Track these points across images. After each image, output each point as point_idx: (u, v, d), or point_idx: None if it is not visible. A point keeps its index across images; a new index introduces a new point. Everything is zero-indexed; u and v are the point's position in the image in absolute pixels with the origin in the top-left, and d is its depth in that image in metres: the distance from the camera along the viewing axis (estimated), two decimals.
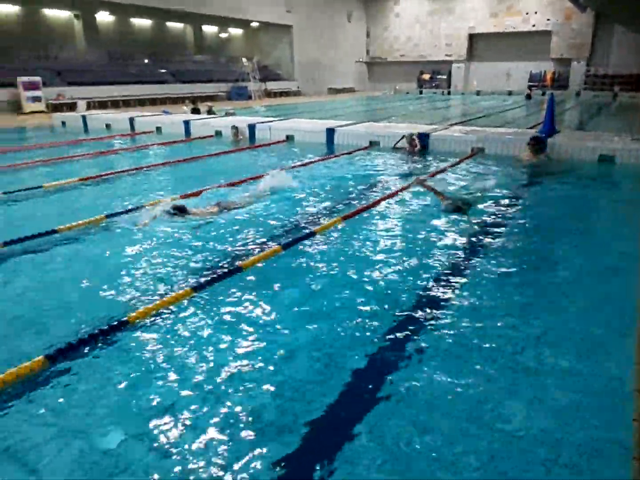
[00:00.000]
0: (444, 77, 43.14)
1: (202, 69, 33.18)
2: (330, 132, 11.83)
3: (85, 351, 3.14)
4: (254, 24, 35.39)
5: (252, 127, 12.99)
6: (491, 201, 6.66)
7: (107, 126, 15.68)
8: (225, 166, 10.01)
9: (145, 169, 9.32)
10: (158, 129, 14.55)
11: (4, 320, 3.65)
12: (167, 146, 12.26)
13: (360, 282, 4.19)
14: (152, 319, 3.50)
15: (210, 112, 17.70)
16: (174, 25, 34.16)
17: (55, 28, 27.01)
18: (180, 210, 5.71)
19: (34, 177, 8.77)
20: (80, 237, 5.43)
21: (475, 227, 5.56)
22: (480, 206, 6.35)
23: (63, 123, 16.80)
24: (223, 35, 37.81)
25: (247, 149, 11.95)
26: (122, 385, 2.86)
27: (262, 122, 13.37)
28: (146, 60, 31.51)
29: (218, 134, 13.53)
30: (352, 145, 11.32)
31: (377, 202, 6.53)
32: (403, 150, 10.62)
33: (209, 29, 36.56)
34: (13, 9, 24.79)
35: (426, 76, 43.41)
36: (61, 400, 2.75)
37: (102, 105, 23.88)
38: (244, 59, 32.34)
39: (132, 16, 30.45)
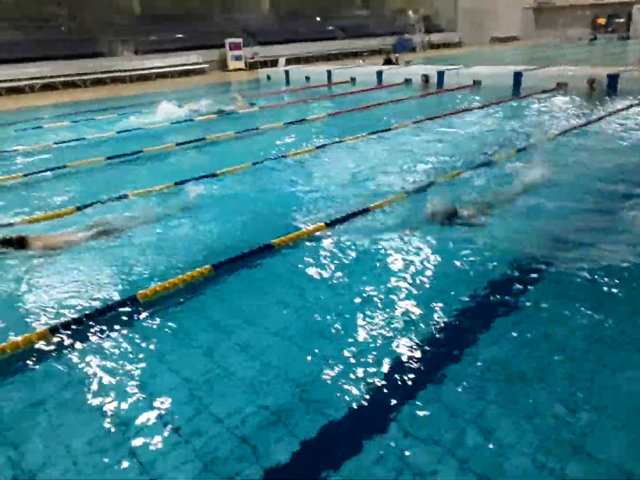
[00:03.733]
0: (622, 20, 39.41)
1: (369, 24, 34.79)
2: (518, 75, 12.96)
3: None
4: None
5: (441, 74, 14.57)
6: None
7: (307, 78, 18.35)
8: (416, 108, 11.81)
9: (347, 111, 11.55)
10: (352, 79, 16.79)
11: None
12: (362, 93, 14.43)
13: None
14: None
15: (393, 62, 19.63)
16: None
17: None
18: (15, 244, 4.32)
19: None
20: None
21: None
22: None
23: (268, 77, 19.96)
24: None
25: (436, 94, 13.66)
26: None
27: (450, 69, 14.85)
28: (318, 18, 34.00)
29: (407, 81, 15.35)
30: (538, 87, 12.36)
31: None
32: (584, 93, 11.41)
33: None
34: None
35: (602, 20, 40.10)
36: None
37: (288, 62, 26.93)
38: (410, 12, 33.23)
39: None
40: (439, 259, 3.94)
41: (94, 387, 2.73)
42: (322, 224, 4.55)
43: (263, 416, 2.43)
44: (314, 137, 8.73)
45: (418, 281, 3.62)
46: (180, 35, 25.50)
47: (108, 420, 2.48)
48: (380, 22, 35.19)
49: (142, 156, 8.07)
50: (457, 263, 3.84)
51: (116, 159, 7.93)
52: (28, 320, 3.41)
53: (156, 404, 2.57)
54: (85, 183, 7.01)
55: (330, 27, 32.98)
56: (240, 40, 24.77)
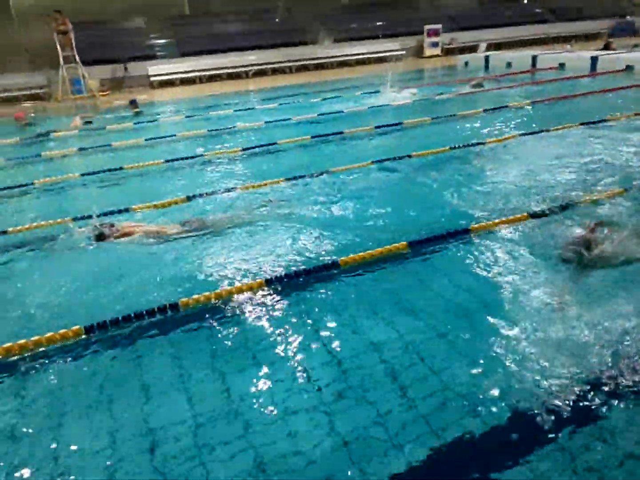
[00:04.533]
0: None
1: (581, 5, 31.29)
2: None
3: None
4: None
5: None
6: None
7: (508, 64, 17.33)
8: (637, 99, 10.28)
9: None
10: (561, 65, 15.36)
11: None
12: (571, 80, 13.09)
13: None
14: None
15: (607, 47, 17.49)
16: None
17: None
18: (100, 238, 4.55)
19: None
20: None
21: None
22: None
23: (466, 63, 19.36)
24: None
25: None
26: None
27: None
28: (525, 0, 31.68)
29: (629, 68, 13.50)
30: None
31: None
32: None
33: None
34: None
35: None
36: None
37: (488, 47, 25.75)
38: None
39: None
40: None
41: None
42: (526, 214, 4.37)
43: None
44: (514, 125, 8.31)
45: None
46: (380, 23, 26.10)
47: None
48: (595, 3, 31.35)
49: (344, 137, 8.62)
50: None
51: (319, 138, 8.58)
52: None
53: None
54: (292, 159, 7.75)
55: (537, 10, 30.49)
56: (439, 26, 24.39)
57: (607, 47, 17.96)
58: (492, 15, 28.59)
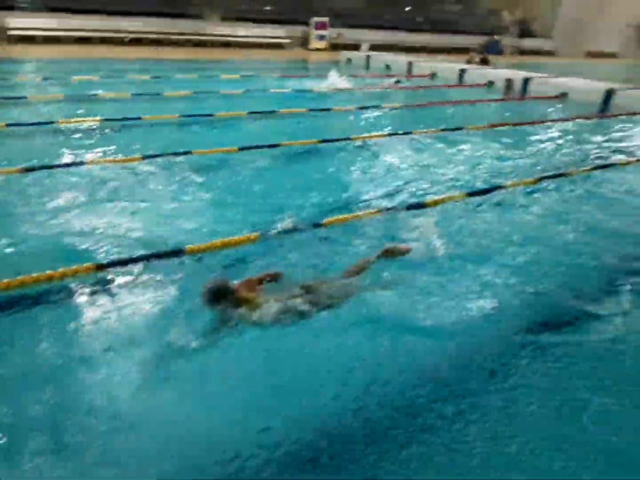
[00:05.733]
0: None
1: (457, 20, 33.71)
2: (609, 93, 12.18)
3: None
4: None
5: (525, 81, 13.94)
6: None
7: (387, 66, 18.06)
8: (494, 112, 11.33)
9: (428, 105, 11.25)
10: (433, 74, 16.37)
11: None
12: (440, 89, 14.05)
13: None
14: None
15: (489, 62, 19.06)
16: None
17: None
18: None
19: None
20: None
21: None
22: None
23: (349, 60, 19.81)
24: None
25: (518, 100, 13.09)
26: None
27: (537, 77, 14.18)
28: (407, 8, 33.29)
29: (490, 84, 14.79)
30: (630, 109, 11.57)
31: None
32: None
33: None
34: None
35: None
36: None
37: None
38: (505, 12, 31.96)
39: None
40: None
41: None
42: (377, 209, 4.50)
43: None
44: (382, 126, 8.63)
45: None
46: (268, 8, 25.68)
47: None
48: (471, 20, 34.03)
49: (213, 119, 8.27)
50: None
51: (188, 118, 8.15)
52: None
53: None
54: (155, 137, 7.25)
55: (419, 19, 32.25)
56: (326, 19, 24.66)
57: (484, 61, 19.42)
58: (378, 17, 29.62)
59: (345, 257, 3.72)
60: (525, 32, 34.05)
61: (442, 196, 4.99)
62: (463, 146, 7.50)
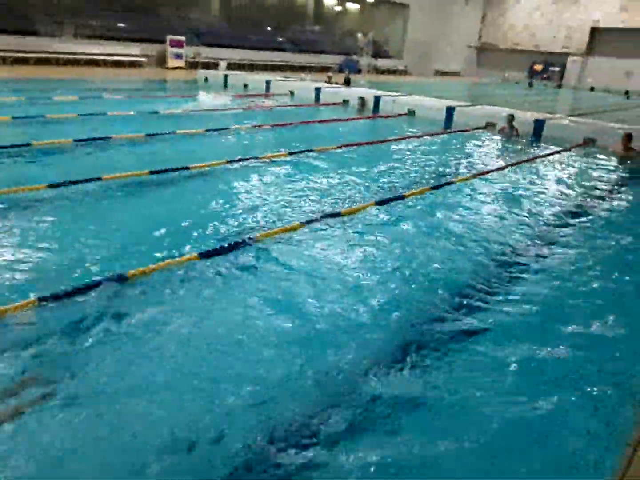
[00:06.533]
0: (557, 69, 41.97)
1: (318, 40, 34.79)
2: (450, 110, 13.02)
3: None
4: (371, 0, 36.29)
5: (377, 99, 14.44)
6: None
7: (245, 86, 17.75)
8: (351, 130, 11.49)
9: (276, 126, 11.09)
10: (291, 92, 16.37)
11: None
12: (299, 108, 14.04)
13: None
14: None
15: (330, 81, 19.39)
16: None
17: None
18: None
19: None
20: None
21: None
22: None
23: (206, 79, 19.18)
24: (339, 8, 39.10)
25: (372, 118, 13.49)
26: None
27: (387, 95, 14.76)
28: (269, 28, 33.58)
29: (345, 102, 15.12)
30: (469, 124, 12.44)
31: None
32: (501, 134, 11.50)
33: (328, 1, 38.00)
34: None
35: (538, 67, 42.49)
36: None
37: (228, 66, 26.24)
38: (359, 34, 33.56)
39: None
40: None
41: None
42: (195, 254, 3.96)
43: None
44: (230, 149, 8.16)
45: None
46: (122, 25, 24.18)
47: None
48: (330, 41, 35.30)
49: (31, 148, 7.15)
50: None
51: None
52: None
53: None
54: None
55: (280, 39, 32.65)
56: (183, 38, 23.82)
57: (346, 82, 19.81)
58: (237, 36, 29.40)
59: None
60: (379, 52, 36.05)
61: (275, 229, 4.61)
62: (317, 167, 7.31)
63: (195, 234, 4.50)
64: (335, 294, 3.60)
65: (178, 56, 23.81)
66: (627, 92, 32.78)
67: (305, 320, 3.27)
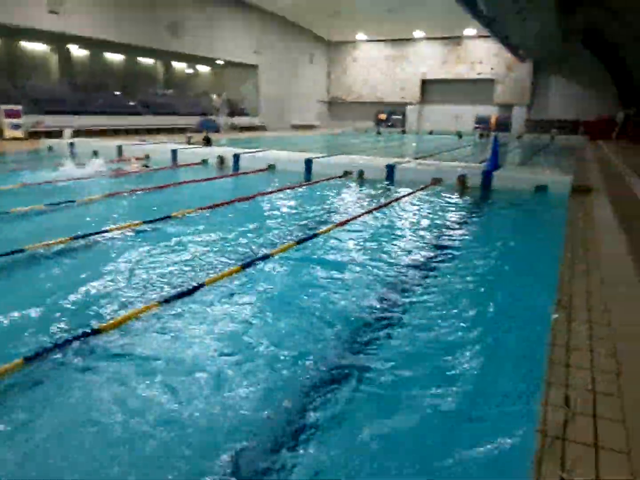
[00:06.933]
0: (399, 117, 46.45)
1: (171, 102, 34.54)
2: (308, 162, 13.43)
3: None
4: (220, 62, 37.19)
5: (236, 157, 14.44)
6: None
7: (95, 152, 16.70)
8: (212, 190, 11.25)
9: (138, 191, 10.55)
10: (147, 156, 15.74)
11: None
12: (157, 172, 13.50)
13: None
14: None
15: (190, 142, 19.06)
16: (145, 60, 35.54)
17: (33, 60, 27.92)
18: None
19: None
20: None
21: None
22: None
23: (50, 148, 17.75)
24: (190, 71, 39.46)
25: (232, 176, 13.40)
26: None
27: (246, 152, 14.85)
28: (117, 93, 32.57)
29: (205, 162, 14.89)
30: (327, 174, 12.91)
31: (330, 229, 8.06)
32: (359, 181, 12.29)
33: (178, 65, 38.16)
34: None
35: (382, 116, 46.60)
36: None
37: (76, 133, 24.73)
38: (214, 95, 34.00)
39: (105, 51, 31.69)
40: None
41: None
42: None
43: None
44: (76, 223, 7.39)
45: None
46: None
47: None
48: (184, 102, 35.21)
49: None
50: None
51: None
52: None
53: None
54: None
55: (131, 103, 31.77)
56: (19, 107, 21.99)
57: (206, 141, 19.48)
58: (83, 101, 28.00)
59: None
60: (235, 111, 36.75)
61: (128, 312, 4.11)
62: (175, 233, 6.84)
63: (25, 333, 3.82)
64: (193, 391, 3.21)
65: (16, 126, 21.87)
66: (459, 133, 37.09)
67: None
